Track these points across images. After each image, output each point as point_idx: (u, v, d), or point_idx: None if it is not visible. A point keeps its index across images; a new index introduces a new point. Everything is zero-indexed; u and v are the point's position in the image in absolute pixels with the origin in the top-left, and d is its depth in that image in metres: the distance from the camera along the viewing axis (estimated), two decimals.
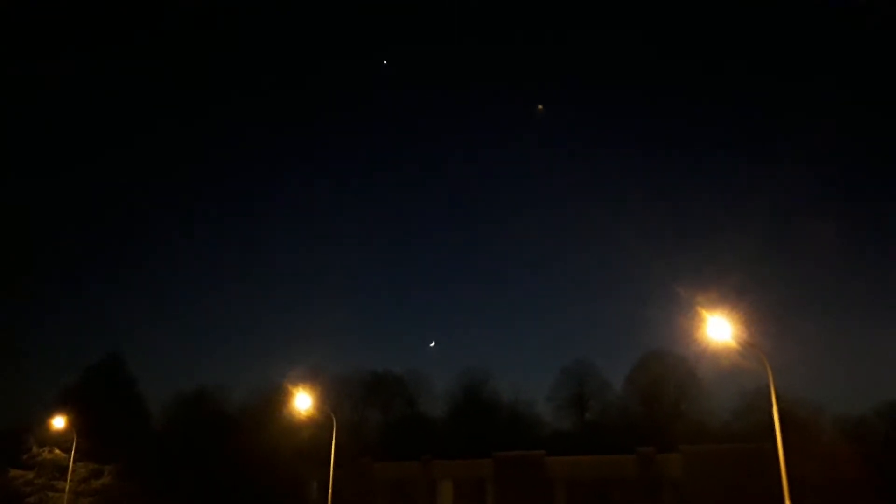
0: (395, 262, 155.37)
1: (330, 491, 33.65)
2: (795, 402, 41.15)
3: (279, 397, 44.47)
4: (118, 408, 50.76)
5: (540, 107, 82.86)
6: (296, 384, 37.18)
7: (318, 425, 41.27)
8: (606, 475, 30.50)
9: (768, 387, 18.81)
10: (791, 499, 17.42)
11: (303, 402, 35.94)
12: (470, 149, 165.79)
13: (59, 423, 45.60)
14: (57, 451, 47.39)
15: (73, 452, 44.95)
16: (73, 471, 45.41)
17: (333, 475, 33.76)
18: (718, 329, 18.64)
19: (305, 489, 46.69)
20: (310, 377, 44.01)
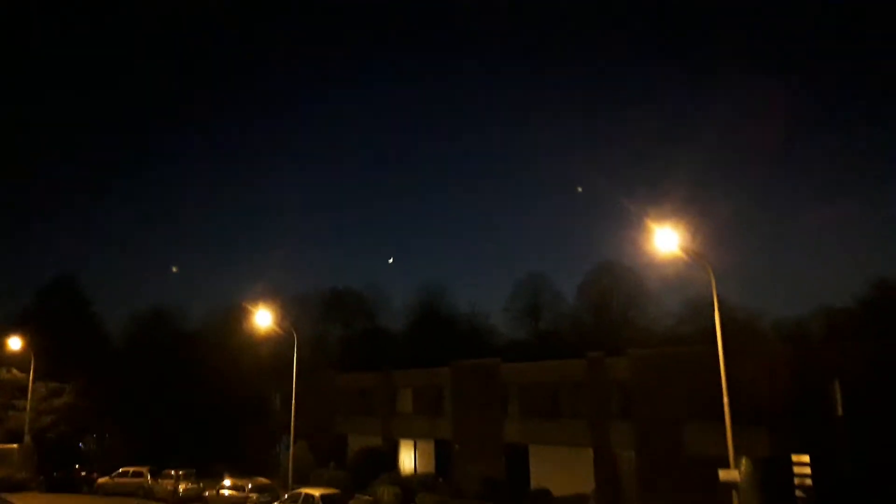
0: (353, 180, 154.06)
1: (293, 402, 34.64)
2: (737, 307, 43.43)
3: (239, 315, 44.77)
4: (74, 329, 50.48)
5: None
6: (255, 302, 37.49)
7: (279, 341, 41.91)
8: (557, 379, 31.94)
9: (712, 294, 19.84)
10: (729, 396, 18.71)
11: (263, 319, 36.35)
12: (434, 62, 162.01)
13: (14, 344, 45.32)
14: (15, 371, 47.30)
15: (31, 372, 44.95)
16: (34, 390, 45.53)
17: (296, 387, 34.67)
18: (666, 240, 19.43)
19: (269, 402, 47.76)
20: (269, 295, 44.39)
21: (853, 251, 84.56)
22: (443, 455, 37.02)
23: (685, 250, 19.83)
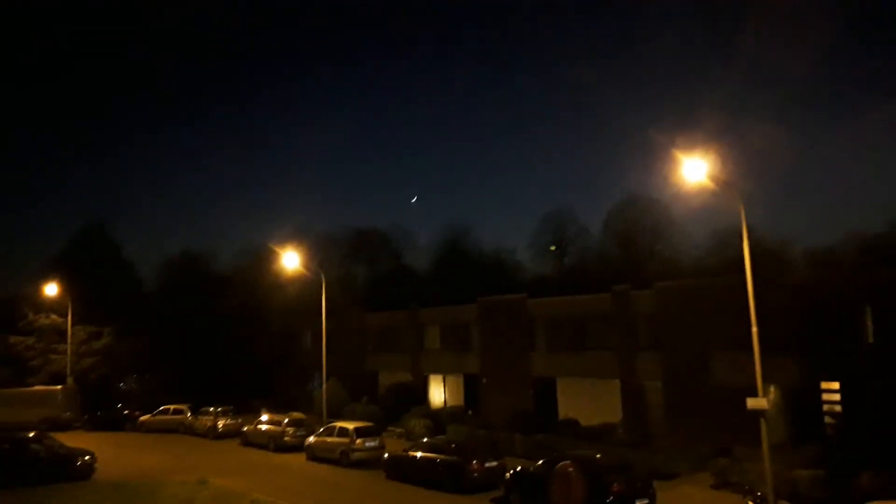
0: (377, 122, 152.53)
1: (324, 339, 35.30)
2: (766, 236, 42.73)
3: (267, 257, 45.32)
4: (107, 274, 51.54)
5: None
6: (282, 244, 37.84)
7: (307, 282, 42.41)
8: (584, 313, 32.02)
9: (740, 223, 19.48)
10: (757, 325, 18.58)
11: (290, 260, 36.73)
12: (453, 16, 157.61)
13: (51, 290, 46.49)
14: (54, 316, 48.65)
15: (69, 316, 46.20)
16: (73, 334, 46.89)
17: (326, 326, 35.27)
18: (694, 169, 18.99)
19: (300, 340, 48.75)
20: (296, 237, 44.75)
21: (886, 175, 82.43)
22: (471, 389, 37.69)
23: (714, 179, 19.41)
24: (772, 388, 23.79)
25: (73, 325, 46.69)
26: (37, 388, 44.19)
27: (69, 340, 46.48)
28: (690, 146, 19.62)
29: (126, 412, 42.72)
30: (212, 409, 38.76)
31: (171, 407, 41.13)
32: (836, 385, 23.64)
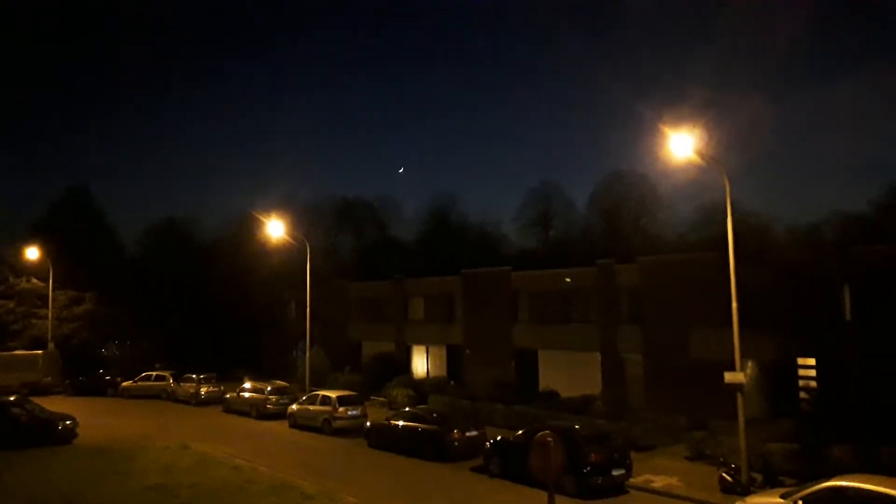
0: (363, 91, 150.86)
1: (308, 308, 35.29)
2: (750, 213, 43.05)
3: (252, 225, 45.07)
4: (89, 238, 51.03)
5: None
6: (267, 212, 37.59)
7: (292, 251, 42.27)
8: (567, 286, 32.18)
9: (725, 199, 19.57)
10: (738, 301, 18.78)
11: (275, 228, 36.53)
12: None
13: (32, 253, 45.98)
14: (35, 280, 48.20)
15: (51, 280, 45.79)
16: (54, 298, 46.51)
17: (310, 296, 35.23)
18: (680, 144, 18.98)
19: (284, 309, 48.70)
20: (281, 205, 44.44)
21: (870, 154, 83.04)
22: (454, 360, 37.92)
23: (700, 154, 19.43)
24: (749, 364, 24.13)
25: (54, 289, 46.28)
26: (17, 352, 43.87)
27: (50, 305, 46.12)
28: (677, 121, 19.61)
29: (108, 378, 42.61)
30: (194, 375, 38.77)
31: (154, 373, 41.11)
32: (812, 361, 23.99)
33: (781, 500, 13.63)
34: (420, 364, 40.54)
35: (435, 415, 24.37)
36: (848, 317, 23.12)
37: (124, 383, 41.19)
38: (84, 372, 43.34)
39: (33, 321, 47.81)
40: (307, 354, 36.43)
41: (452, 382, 35.91)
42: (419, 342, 40.68)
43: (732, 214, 19.22)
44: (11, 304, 48.39)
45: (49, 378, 42.34)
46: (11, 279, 48.71)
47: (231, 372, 43.28)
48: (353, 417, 27.98)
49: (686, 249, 35.00)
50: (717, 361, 20.98)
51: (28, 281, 48.54)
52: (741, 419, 18.31)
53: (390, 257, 54.56)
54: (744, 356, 19.26)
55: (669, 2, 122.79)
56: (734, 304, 18.75)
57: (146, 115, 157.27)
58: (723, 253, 19.74)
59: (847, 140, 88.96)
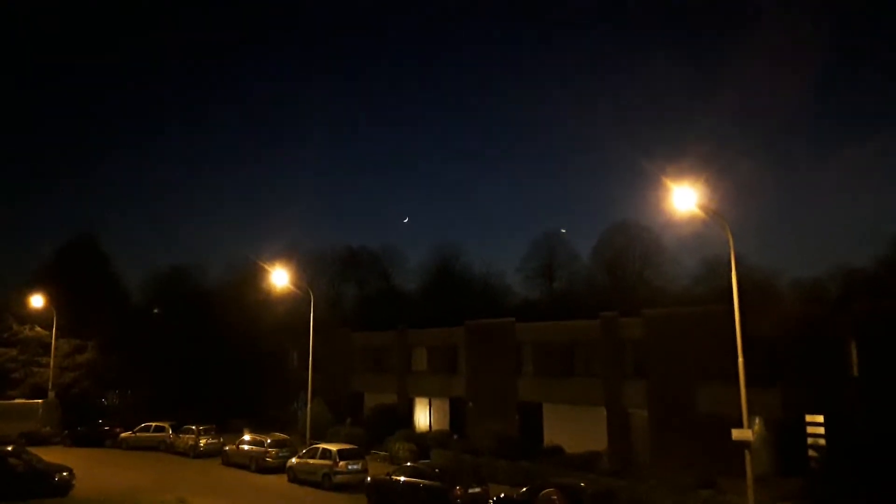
0: (369, 140, 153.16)
1: (310, 360, 35.06)
2: (754, 266, 43.07)
3: (256, 273, 45.13)
4: (94, 286, 51.08)
5: None
6: (272, 261, 37.72)
7: (295, 300, 42.24)
8: (572, 338, 31.98)
9: (729, 253, 19.61)
10: (744, 356, 18.63)
11: (280, 277, 36.60)
12: (450, 33, 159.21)
13: (37, 301, 46.00)
14: (38, 328, 48.10)
15: (54, 328, 45.71)
16: (57, 346, 46.35)
17: (313, 345, 35.04)
18: (683, 198, 19.13)
19: (286, 360, 48.37)
20: (286, 254, 44.64)
21: (872, 209, 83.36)
22: (457, 412, 37.44)
23: (703, 208, 19.56)
24: (757, 420, 23.78)
25: (57, 337, 46.18)
26: (17, 401, 43.52)
27: (52, 353, 45.94)
28: (680, 174, 19.81)
29: (107, 428, 42.12)
30: (194, 427, 38.30)
31: (153, 424, 40.62)
32: (820, 418, 23.65)
33: None
34: (422, 417, 40.02)
35: (437, 470, 23.92)
36: (855, 373, 22.89)
37: (123, 434, 40.69)
38: (83, 422, 42.88)
39: (35, 369, 47.55)
40: (308, 406, 36.03)
41: (455, 436, 35.37)
42: (422, 394, 40.25)
43: (737, 268, 19.22)
44: (14, 352, 48.21)
45: (48, 428, 41.90)
46: (15, 326, 48.64)
47: (231, 423, 42.76)
48: (353, 472, 27.47)
49: (691, 303, 34.85)
50: (725, 417, 20.70)
51: (32, 329, 48.45)
52: (750, 477, 17.96)
53: (394, 307, 54.43)
54: (751, 412, 19.01)
55: (678, 59, 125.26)
56: (740, 360, 18.60)
57: (154, 163, 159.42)
58: (728, 306, 19.67)
59: (851, 196, 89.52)
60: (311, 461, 28.61)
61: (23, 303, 47.44)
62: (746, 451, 18.26)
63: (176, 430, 39.34)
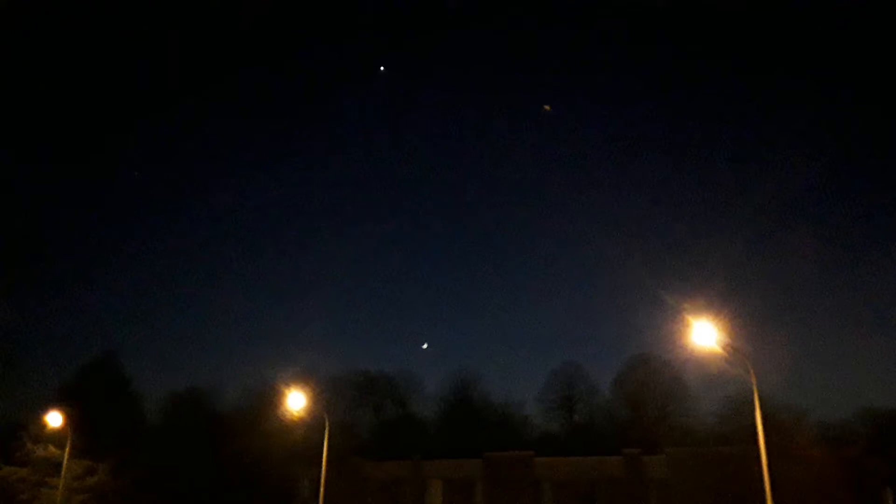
0: (387, 263, 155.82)
1: (322, 490, 34.18)
2: (779, 406, 41.98)
3: (272, 397, 44.90)
4: (113, 406, 51.00)
5: (546, 107, 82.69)
6: (288, 384, 37.65)
7: (310, 425, 41.75)
8: (593, 476, 31.12)
9: (752, 391, 19.48)
10: (773, 500, 18.10)
11: (295, 402, 36.42)
12: (464, 151, 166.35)
13: (55, 420, 45.75)
14: (52, 448, 47.51)
15: (67, 450, 45.16)
16: (68, 468, 45.60)
17: (325, 474, 34.28)
18: (703, 335, 19.30)
19: (297, 488, 47.12)
20: (302, 377, 44.50)
21: None
22: None
23: (724, 346, 19.66)
24: None
25: (70, 458, 45.49)
26: None
27: (63, 476, 45.11)
28: (700, 308, 20.03)
29: None
30: None
31: None
32: None
33: None
34: None
35: None
36: None
37: None
38: None
39: (43, 490, 46.50)
40: None
41: None
42: None
43: (762, 408, 19.05)
44: (24, 472, 47.35)
45: None
46: (29, 445, 48.09)
47: None
48: None
49: (716, 442, 34.02)
50: None
51: (45, 449, 47.86)
52: None
53: (409, 435, 53.38)
54: None
55: (701, 193, 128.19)
56: (769, 501, 18.05)
57: (178, 283, 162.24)
58: (752, 447, 19.33)
59: (878, 334, 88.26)
60: None
61: (39, 422, 47.20)
62: None
63: None
